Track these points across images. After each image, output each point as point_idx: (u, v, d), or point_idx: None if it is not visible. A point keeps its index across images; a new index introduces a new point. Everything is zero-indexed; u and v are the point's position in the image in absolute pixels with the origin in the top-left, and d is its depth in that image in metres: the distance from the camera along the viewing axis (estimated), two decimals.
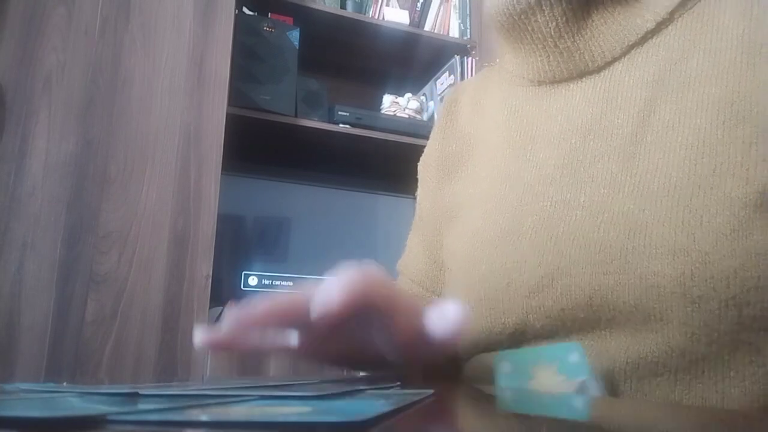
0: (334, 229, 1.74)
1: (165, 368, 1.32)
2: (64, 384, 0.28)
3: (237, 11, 1.60)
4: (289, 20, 1.77)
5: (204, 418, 0.18)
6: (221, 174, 1.47)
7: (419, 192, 0.64)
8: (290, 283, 1.65)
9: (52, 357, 1.25)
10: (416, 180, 0.65)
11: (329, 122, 1.75)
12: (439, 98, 2.02)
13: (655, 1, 0.46)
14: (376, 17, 1.97)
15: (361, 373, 0.51)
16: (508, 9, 0.48)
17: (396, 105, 1.95)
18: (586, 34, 0.47)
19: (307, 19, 1.79)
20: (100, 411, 0.19)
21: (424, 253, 0.60)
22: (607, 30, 0.47)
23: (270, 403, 0.21)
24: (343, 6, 1.93)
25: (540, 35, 0.48)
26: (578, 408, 0.27)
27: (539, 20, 0.47)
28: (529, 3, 0.47)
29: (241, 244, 1.72)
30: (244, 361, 1.39)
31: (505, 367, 0.34)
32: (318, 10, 1.81)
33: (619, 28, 0.46)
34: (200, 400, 0.22)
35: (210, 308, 1.41)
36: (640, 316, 0.37)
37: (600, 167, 0.43)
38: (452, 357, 0.54)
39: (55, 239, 1.30)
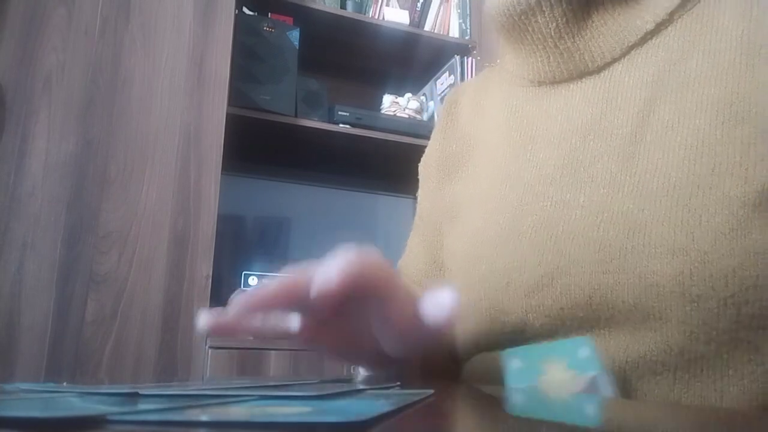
0: (334, 229, 1.74)
1: (165, 368, 1.32)
2: (64, 384, 0.28)
3: (237, 11, 1.60)
4: (289, 20, 1.77)
5: (204, 418, 0.18)
6: (221, 174, 1.47)
7: (420, 193, 0.64)
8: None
9: (52, 357, 1.25)
10: (416, 180, 0.65)
11: (329, 122, 1.76)
12: (439, 98, 2.02)
13: (655, 3, 0.46)
14: (376, 17, 1.97)
15: (360, 371, 0.51)
16: (508, 10, 0.49)
17: (396, 105, 1.95)
18: (586, 34, 0.47)
19: (307, 19, 1.79)
20: (100, 411, 0.19)
21: (424, 253, 0.60)
22: (606, 31, 0.47)
23: (270, 403, 0.21)
24: (343, 6, 1.93)
25: (540, 36, 0.48)
26: (579, 409, 0.27)
27: (539, 21, 0.48)
28: (530, 4, 0.47)
29: (241, 244, 1.72)
30: (244, 360, 1.39)
31: (515, 364, 0.34)
32: (318, 10, 1.81)
33: (619, 29, 0.47)
34: (200, 400, 0.22)
35: (210, 308, 1.41)
36: (639, 315, 0.38)
37: (600, 167, 0.43)
38: (448, 350, 0.54)
39: (55, 239, 1.30)
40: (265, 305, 0.34)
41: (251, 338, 1.50)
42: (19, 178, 1.30)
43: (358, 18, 1.89)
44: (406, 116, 1.92)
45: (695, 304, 0.36)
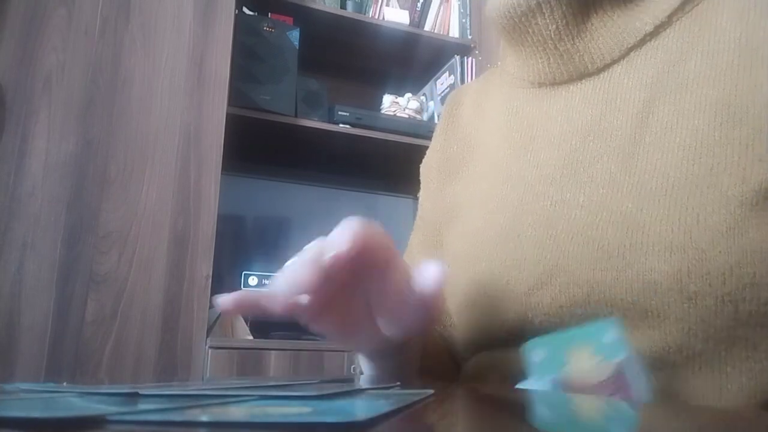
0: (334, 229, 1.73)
1: (165, 368, 1.32)
2: (64, 384, 0.28)
3: (237, 11, 1.60)
4: (289, 20, 1.77)
5: (204, 418, 0.18)
6: (221, 174, 1.47)
7: (421, 194, 0.65)
8: None
9: (52, 357, 1.25)
10: (416, 180, 0.66)
11: (329, 122, 1.76)
12: (439, 98, 2.02)
13: (654, 5, 0.47)
14: (376, 17, 1.97)
15: (360, 368, 0.51)
16: (509, 12, 0.49)
17: (396, 105, 1.95)
18: (586, 36, 0.48)
19: (307, 19, 1.79)
20: (100, 411, 0.19)
21: (424, 252, 0.61)
22: (606, 33, 0.47)
23: (270, 403, 0.21)
24: (343, 6, 1.93)
25: (540, 37, 0.49)
26: (580, 408, 0.27)
27: (539, 23, 0.48)
28: (530, 6, 0.48)
29: (241, 244, 1.72)
30: (244, 360, 1.40)
31: (538, 355, 0.32)
32: (318, 10, 1.81)
33: (618, 30, 0.47)
34: (200, 400, 0.22)
35: (210, 308, 1.41)
36: (637, 312, 0.38)
37: (599, 167, 0.44)
38: (444, 345, 0.55)
39: (55, 239, 1.30)
40: (306, 290, 0.36)
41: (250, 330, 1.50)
42: (19, 178, 1.30)
43: (358, 18, 1.89)
44: (406, 116, 1.92)
45: (693, 302, 0.36)
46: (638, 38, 0.46)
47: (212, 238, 1.43)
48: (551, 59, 0.49)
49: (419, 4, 2.09)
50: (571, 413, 0.25)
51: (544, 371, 0.32)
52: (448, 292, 0.53)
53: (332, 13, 1.84)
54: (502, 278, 0.45)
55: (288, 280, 0.36)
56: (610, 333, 0.33)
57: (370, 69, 2.09)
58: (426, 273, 0.37)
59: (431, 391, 0.27)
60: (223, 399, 0.22)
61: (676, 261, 0.37)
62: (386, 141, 1.80)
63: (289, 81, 1.70)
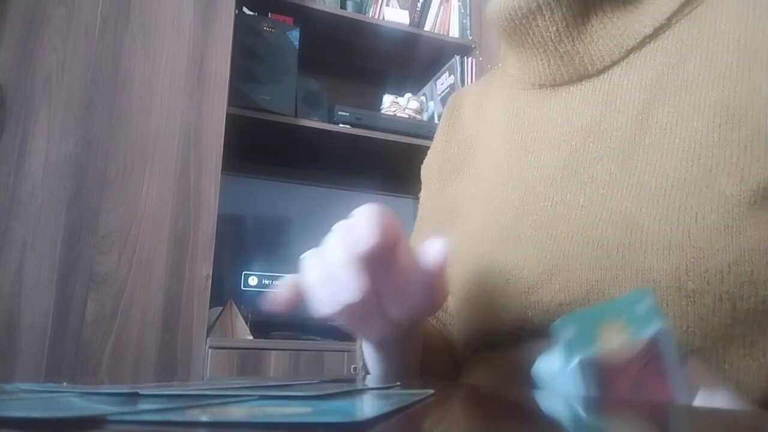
0: None
1: (165, 368, 1.32)
2: (64, 384, 0.28)
3: (237, 11, 1.60)
4: (289, 20, 1.77)
5: (204, 418, 0.18)
6: (221, 174, 1.47)
7: (422, 194, 0.65)
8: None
9: (52, 357, 1.25)
10: (416, 180, 0.66)
11: (329, 122, 1.76)
12: (439, 98, 2.02)
13: (654, 7, 0.47)
14: (376, 17, 1.97)
15: (367, 361, 0.51)
16: (509, 14, 0.50)
17: (396, 105, 1.95)
18: (586, 38, 0.48)
19: (307, 19, 1.79)
20: (100, 411, 0.19)
21: None
22: (606, 35, 0.48)
23: (270, 403, 0.21)
24: (343, 6, 1.93)
25: (541, 39, 0.49)
26: (581, 408, 0.27)
27: (540, 25, 0.48)
28: (530, 8, 0.48)
29: (241, 244, 1.72)
30: (244, 360, 1.40)
31: (568, 333, 0.31)
32: (318, 10, 1.81)
33: (618, 32, 0.47)
34: (200, 400, 0.22)
35: (210, 308, 1.41)
36: None
37: (599, 168, 0.44)
38: (445, 342, 0.55)
39: (55, 239, 1.30)
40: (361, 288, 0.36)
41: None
42: (19, 178, 1.30)
43: (358, 18, 1.89)
44: (406, 116, 1.92)
45: (691, 300, 0.37)
46: (638, 40, 0.47)
47: (212, 238, 1.43)
48: (551, 61, 0.50)
49: (419, 4, 2.09)
50: (571, 413, 0.26)
51: (573, 350, 0.30)
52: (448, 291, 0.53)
53: (332, 13, 1.84)
54: (503, 277, 0.45)
55: (342, 279, 0.36)
56: (643, 303, 0.32)
57: (370, 69, 2.09)
58: (429, 250, 0.37)
59: (431, 391, 0.27)
60: (223, 399, 0.22)
61: (675, 259, 0.37)
62: (386, 141, 1.80)
63: (289, 81, 1.70)
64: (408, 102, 1.96)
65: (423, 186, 0.65)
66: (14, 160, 1.30)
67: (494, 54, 1.88)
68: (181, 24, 1.50)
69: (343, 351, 1.48)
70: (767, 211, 0.37)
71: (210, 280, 1.40)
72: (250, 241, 1.75)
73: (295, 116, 1.70)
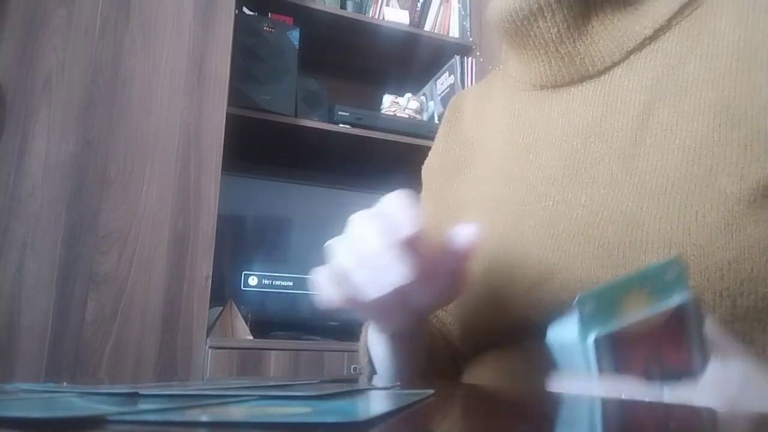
0: (334, 229, 1.73)
1: (165, 368, 1.32)
2: (64, 384, 0.28)
3: (237, 11, 1.60)
4: (289, 20, 1.77)
5: (204, 418, 0.18)
6: (221, 174, 1.47)
7: (423, 195, 0.65)
8: (290, 283, 1.65)
9: (52, 357, 1.25)
10: (417, 180, 0.66)
11: (329, 122, 1.75)
12: (439, 98, 2.02)
13: (654, 9, 0.47)
14: (376, 17, 1.97)
15: (376, 355, 0.51)
16: (511, 15, 0.50)
17: (396, 105, 1.95)
18: (587, 39, 0.48)
19: (307, 19, 1.79)
20: (100, 411, 0.19)
21: None
22: (606, 36, 0.48)
23: (270, 404, 0.21)
24: (343, 6, 1.93)
25: (542, 40, 0.49)
26: (581, 408, 0.27)
27: (541, 26, 0.49)
28: (531, 9, 0.48)
29: (241, 244, 1.72)
30: (244, 360, 1.39)
31: (587, 309, 0.29)
32: (318, 10, 1.81)
33: (619, 34, 0.48)
34: (200, 400, 0.22)
35: (210, 308, 1.41)
36: None
37: (600, 168, 0.44)
38: (448, 340, 0.55)
39: (55, 239, 1.30)
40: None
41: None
42: (19, 178, 1.30)
43: (358, 18, 1.89)
44: (406, 116, 1.92)
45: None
46: (638, 41, 0.47)
47: (212, 238, 1.43)
48: (552, 62, 0.50)
49: (419, 4, 2.09)
50: (571, 412, 0.26)
51: (590, 326, 0.29)
52: None
53: (332, 13, 1.84)
54: (504, 277, 0.46)
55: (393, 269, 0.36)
56: (671, 271, 0.30)
57: (370, 69, 2.09)
58: (460, 234, 0.38)
59: (431, 391, 0.27)
60: (223, 399, 0.22)
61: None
62: (386, 141, 1.80)
63: (289, 81, 1.70)
64: (408, 102, 1.96)
65: (424, 186, 0.66)
66: (14, 160, 1.30)
67: (494, 54, 1.88)
68: (181, 24, 1.50)
69: (343, 351, 1.47)
70: (767, 209, 0.37)
71: (210, 280, 1.40)
72: (250, 241, 1.75)
73: (295, 116, 1.70)
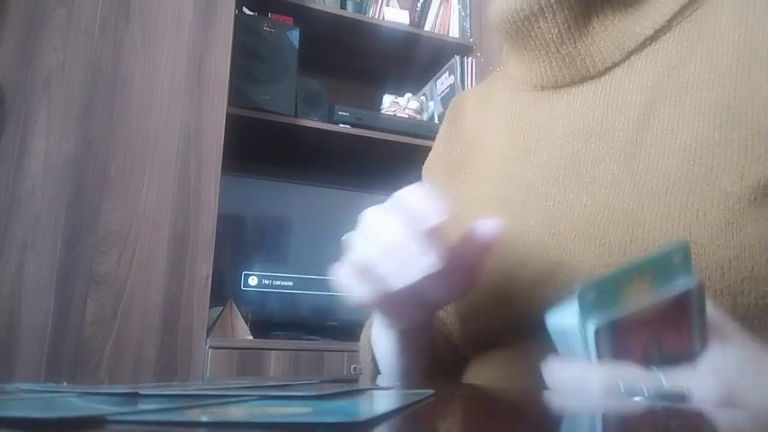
0: (334, 229, 1.73)
1: (165, 368, 1.32)
2: (64, 384, 0.28)
3: (237, 11, 1.60)
4: (289, 20, 1.77)
5: (204, 418, 0.18)
6: (221, 174, 1.47)
7: None
8: (290, 283, 1.65)
9: (52, 357, 1.25)
10: (417, 180, 0.66)
11: (329, 122, 1.75)
12: (439, 98, 2.02)
13: (654, 9, 0.47)
14: (376, 17, 1.97)
15: (382, 352, 0.51)
16: (512, 16, 0.50)
17: (396, 105, 1.95)
18: (587, 40, 0.48)
19: (307, 19, 1.79)
20: (100, 411, 0.19)
21: None
22: (607, 36, 0.48)
23: (270, 404, 0.21)
24: (343, 6, 1.93)
25: (543, 41, 0.50)
26: (582, 408, 0.27)
27: (542, 26, 0.49)
28: (532, 10, 0.49)
29: (241, 244, 1.72)
30: (244, 360, 1.39)
31: (588, 297, 0.28)
32: (318, 10, 1.81)
33: (619, 34, 0.48)
34: (200, 400, 0.22)
35: (210, 308, 1.41)
36: None
37: (601, 168, 0.45)
38: (448, 339, 0.55)
39: (55, 239, 1.30)
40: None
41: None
42: (19, 178, 1.30)
43: (358, 18, 1.89)
44: (406, 116, 1.92)
45: None
46: (639, 42, 0.47)
47: (212, 238, 1.43)
48: (553, 62, 0.50)
49: (419, 4, 2.09)
50: (571, 412, 0.26)
51: (591, 314, 0.28)
52: None
53: (332, 13, 1.84)
54: (506, 276, 0.46)
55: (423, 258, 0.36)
56: (677, 256, 0.29)
57: (370, 69, 2.09)
58: (482, 227, 0.38)
59: (431, 391, 0.27)
60: (223, 399, 0.22)
61: None
62: (386, 141, 1.80)
63: (289, 81, 1.70)
64: (408, 102, 1.96)
65: None
66: (14, 160, 1.30)
67: (494, 54, 1.88)
68: (181, 24, 1.50)
69: (343, 351, 1.47)
70: (767, 207, 0.37)
71: (210, 280, 1.40)
72: (250, 241, 1.75)
73: (295, 116, 1.70)
